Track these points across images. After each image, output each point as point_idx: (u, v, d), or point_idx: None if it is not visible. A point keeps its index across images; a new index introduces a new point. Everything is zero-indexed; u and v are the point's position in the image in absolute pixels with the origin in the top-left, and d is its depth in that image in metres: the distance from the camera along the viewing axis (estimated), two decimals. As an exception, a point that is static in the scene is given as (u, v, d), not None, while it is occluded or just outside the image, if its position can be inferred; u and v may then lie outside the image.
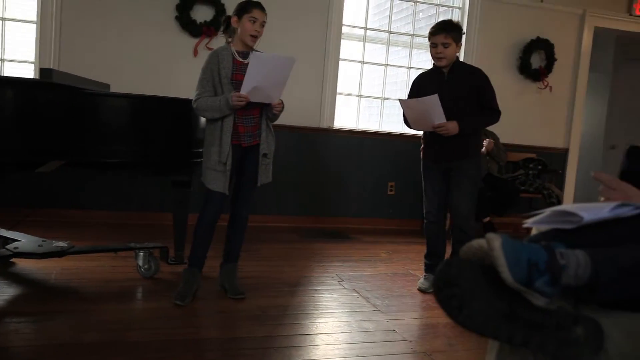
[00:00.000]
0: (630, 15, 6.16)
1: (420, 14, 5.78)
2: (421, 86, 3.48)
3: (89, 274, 3.27)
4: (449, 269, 1.07)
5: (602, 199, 1.27)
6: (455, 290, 1.05)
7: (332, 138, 5.41)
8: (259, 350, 2.39)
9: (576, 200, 6.36)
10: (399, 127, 5.70)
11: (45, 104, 2.83)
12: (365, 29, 5.55)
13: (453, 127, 3.27)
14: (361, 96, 5.62)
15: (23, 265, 3.31)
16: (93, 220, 4.70)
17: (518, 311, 1.03)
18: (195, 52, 4.90)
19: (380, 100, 5.68)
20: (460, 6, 5.78)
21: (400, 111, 5.66)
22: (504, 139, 5.27)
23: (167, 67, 4.88)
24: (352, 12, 5.51)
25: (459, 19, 5.76)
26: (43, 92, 2.83)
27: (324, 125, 5.35)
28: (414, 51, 5.75)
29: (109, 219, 4.76)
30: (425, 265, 3.59)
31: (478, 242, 1.11)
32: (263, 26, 2.93)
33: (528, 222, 1.26)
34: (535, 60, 5.90)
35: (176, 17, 4.85)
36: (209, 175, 2.91)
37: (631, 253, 1.07)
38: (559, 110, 6.09)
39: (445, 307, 1.07)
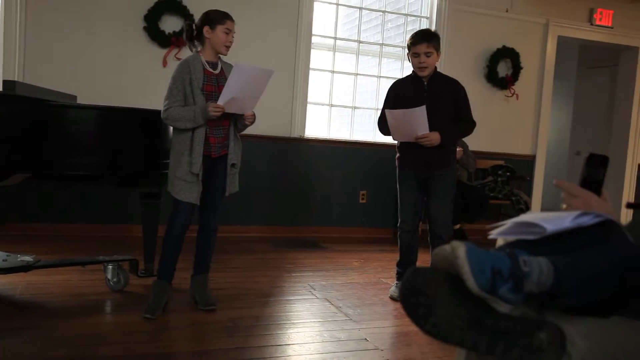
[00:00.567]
0: (592, 24, 6.33)
1: (389, 23, 5.85)
2: (399, 94, 3.49)
3: (56, 288, 3.20)
4: (415, 278, 1.08)
5: (564, 205, 1.29)
6: (421, 298, 1.05)
7: (304, 147, 5.42)
8: (231, 362, 2.37)
9: (544, 205, 6.48)
10: (369, 135, 5.75)
11: (7, 116, 2.78)
12: (335, 38, 5.59)
13: (436, 138, 3.28)
14: (332, 105, 5.65)
15: (-13, 281, 3.23)
16: (61, 233, 4.61)
17: (483, 318, 1.05)
18: (165, 63, 4.87)
19: (350, 109, 5.71)
20: (428, 16, 5.86)
21: (370, 119, 5.76)
22: (472, 146, 5.34)
23: (136, 77, 4.83)
24: (322, 22, 5.55)
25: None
26: (5, 105, 2.78)
27: (295, 134, 5.36)
28: (384, 60, 5.81)
29: (77, 232, 4.67)
30: (398, 273, 3.61)
31: (444, 250, 1.12)
32: (233, 36, 2.95)
33: (492, 234, 1.27)
34: (501, 68, 6.02)
35: (144, 28, 4.81)
36: (178, 186, 2.88)
37: (592, 260, 1.10)
38: (525, 117, 6.21)
39: (412, 315, 1.07)
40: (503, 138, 6.09)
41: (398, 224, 3.58)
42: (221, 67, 2.99)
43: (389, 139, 3.68)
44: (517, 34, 6.07)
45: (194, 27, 2.97)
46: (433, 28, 5.76)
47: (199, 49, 2.98)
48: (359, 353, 2.56)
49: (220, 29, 2.89)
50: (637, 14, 6.47)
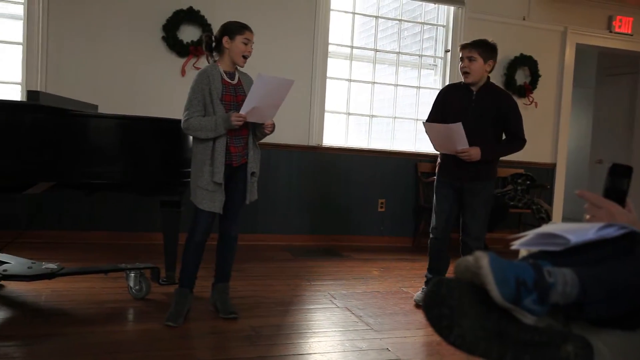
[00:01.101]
0: (611, 32, 6.28)
1: (405, 31, 5.86)
2: (447, 101, 3.47)
3: (80, 295, 3.25)
4: (439, 289, 1.08)
5: (587, 216, 1.29)
6: (445, 310, 1.06)
7: (322, 156, 5.44)
8: (252, 370, 2.38)
9: (565, 214, 6.41)
10: (387, 143, 5.75)
11: (33, 126, 2.84)
12: (352, 47, 5.61)
13: (475, 153, 3.25)
14: (349, 114, 5.66)
15: (12, 287, 3.28)
16: (83, 241, 4.67)
17: (508, 330, 1.04)
18: (183, 72, 4.93)
19: (368, 117, 5.72)
20: (444, 24, 5.86)
21: (388, 127, 5.76)
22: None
23: (154, 87, 4.89)
24: (339, 31, 5.57)
25: (444, 37, 5.85)
26: (30, 115, 2.84)
27: (313, 143, 5.38)
28: (400, 68, 5.82)
29: (99, 240, 4.73)
30: (427, 278, 3.59)
31: (467, 261, 1.12)
32: (252, 47, 2.98)
33: (515, 244, 1.27)
34: (519, 76, 5.99)
35: (163, 38, 4.88)
36: (200, 195, 2.91)
37: (617, 271, 1.09)
38: (545, 125, 6.18)
39: (436, 326, 1.07)
40: (522, 146, 6.04)
41: (430, 229, 3.59)
42: (239, 78, 3.02)
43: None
44: (534, 42, 6.04)
45: (213, 38, 3.01)
46: (450, 37, 5.77)
47: (217, 59, 3.02)
48: (380, 362, 2.56)
49: (239, 39, 2.92)
50: (657, 21, 6.41)
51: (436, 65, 5.93)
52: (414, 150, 5.75)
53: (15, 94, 4.69)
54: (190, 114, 2.88)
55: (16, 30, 4.66)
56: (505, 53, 5.91)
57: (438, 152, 3.57)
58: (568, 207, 6.47)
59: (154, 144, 3.24)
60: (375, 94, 5.74)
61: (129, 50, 4.85)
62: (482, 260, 1.06)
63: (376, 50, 5.71)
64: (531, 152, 6.10)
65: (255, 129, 3.03)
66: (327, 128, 5.50)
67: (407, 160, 5.68)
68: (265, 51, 4.99)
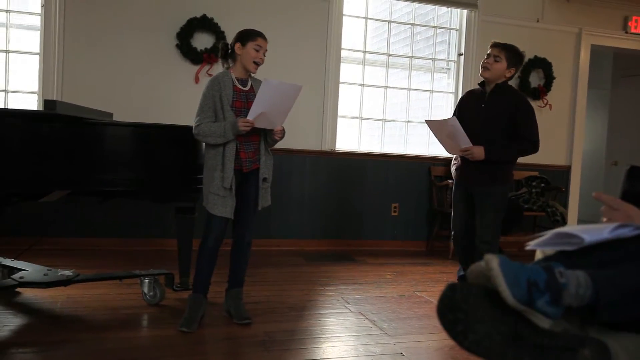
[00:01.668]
0: (626, 32, 6.22)
1: (418, 36, 5.84)
2: (463, 102, 3.51)
3: (95, 302, 3.27)
4: (453, 294, 1.07)
5: (604, 219, 1.27)
6: (459, 315, 1.05)
7: (335, 160, 5.43)
8: (266, 376, 2.38)
9: (580, 217, 6.35)
10: (400, 148, 5.73)
11: (50, 135, 2.87)
12: (364, 52, 5.61)
13: (478, 151, 3.23)
14: (362, 118, 5.65)
15: (28, 294, 3.31)
16: (98, 247, 4.71)
17: (523, 334, 1.03)
18: (197, 79, 4.96)
19: (381, 122, 5.71)
20: (457, 27, 5.84)
21: (401, 132, 5.75)
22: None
23: (169, 94, 4.93)
24: (351, 35, 5.58)
25: (457, 41, 5.83)
26: (47, 124, 2.87)
27: (326, 147, 5.38)
28: (413, 72, 5.80)
29: (113, 246, 4.77)
30: (458, 275, 3.77)
31: (479, 266, 1.11)
32: (265, 54, 2.99)
33: (531, 244, 1.26)
34: (534, 78, 5.95)
35: (177, 45, 4.91)
36: (212, 201, 2.93)
37: (632, 274, 1.08)
38: (560, 127, 6.12)
39: (451, 332, 1.07)
40: (537, 148, 5.99)
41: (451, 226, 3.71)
42: (251, 84, 3.04)
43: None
44: (548, 43, 6.00)
45: (228, 46, 3.03)
46: (463, 40, 5.75)
47: (230, 65, 3.04)
48: (394, 368, 2.54)
49: (250, 45, 2.94)
50: (673, 21, 6.33)
51: (449, 69, 5.90)
52: (427, 154, 5.73)
53: (32, 103, 4.75)
54: (201, 120, 2.91)
55: (33, 40, 4.72)
56: (519, 55, 5.87)
57: (452, 155, 3.60)
58: (583, 210, 6.40)
59: (168, 150, 3.26)
60: (388, 99, 5.73)
61: (143, 59, 4.89)
62: (492, 262, 1.06)
63: (389, 55, 5.70)
64: (546, 155, 6.05)
65: (266, 136, 3.04)
66: (340, 133, 5.50)
67: (420, 164, 5.66)
68: (279, 57, 5.00)
